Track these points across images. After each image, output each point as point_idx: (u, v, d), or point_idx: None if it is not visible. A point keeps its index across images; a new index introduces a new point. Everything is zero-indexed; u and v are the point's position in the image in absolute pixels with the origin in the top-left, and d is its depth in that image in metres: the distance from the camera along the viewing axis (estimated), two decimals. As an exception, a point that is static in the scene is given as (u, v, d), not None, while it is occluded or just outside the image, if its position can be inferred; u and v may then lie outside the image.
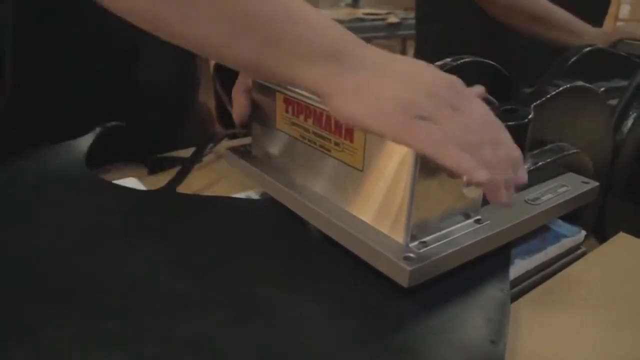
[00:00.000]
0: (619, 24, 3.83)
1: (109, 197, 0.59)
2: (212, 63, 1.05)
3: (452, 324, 0.39)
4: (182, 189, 0.61)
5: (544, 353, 0.40)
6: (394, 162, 0.40)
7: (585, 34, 1.06)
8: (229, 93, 1.28)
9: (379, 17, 2.88)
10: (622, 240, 0.59)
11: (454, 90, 0.39)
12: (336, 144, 0.44)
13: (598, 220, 0.72)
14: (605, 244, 0.59)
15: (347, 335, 0.38)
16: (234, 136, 0.83)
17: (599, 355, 0.41)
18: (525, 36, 1.10)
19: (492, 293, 0.42)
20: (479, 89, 0.45)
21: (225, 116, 1.28)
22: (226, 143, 0.76)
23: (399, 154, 0.40)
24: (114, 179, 0.63)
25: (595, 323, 0.45)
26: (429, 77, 0.39)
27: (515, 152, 0.39)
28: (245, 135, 0.69)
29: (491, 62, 0.71)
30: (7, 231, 0.50)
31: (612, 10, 4.02)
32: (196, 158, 0.66)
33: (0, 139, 0.68)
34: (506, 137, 0.39)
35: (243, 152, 0.57)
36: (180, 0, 0.40)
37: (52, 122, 0.68)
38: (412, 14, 3.09)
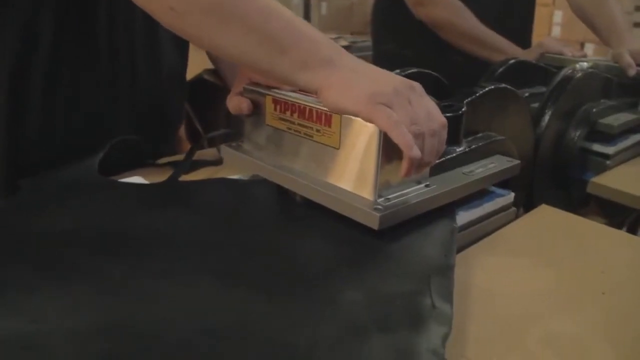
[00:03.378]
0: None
1: (124, 190, 0.70)
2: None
3: (417, 244, 0.54)
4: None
5: (488, 286, 0.55)
6: (363, 140, 0.54)
7: (514, 53, 1.27)
8: (197, 112, 1.40)
9: (330, 41, 3.05)
10: (542, 209, 0.74)
11: (411, 89, 0.54)
12: (317, 130, 0.58)
13: (528, 198, 0.88)
14: (529, 213, 0.74)
15: (335, 260, 0.52)
16: (211, 144, 0.96)
17: (527, 286, 0.56)
18: (464, 52, 1.32)
19: (444, 226, 0.56)
20: None
21: (193, 133, 1.42)
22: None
23: (367, 133, 0.53)
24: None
25: (522, 265, 0.60)
26: (393, 78, 0.54)
27: (442, 145, 0.55)
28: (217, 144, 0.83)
29: (433, 72, 0.86)
30: (43, 216, 0.62)
31: (544, 31, 4.30)
32: (191, 156, 0.79)
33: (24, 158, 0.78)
34: (442, 132, 0.54)
35: (235, 147, 0.70)
36: (220, 20, 0.54)
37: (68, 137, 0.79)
38: (360, 38, 3.28)
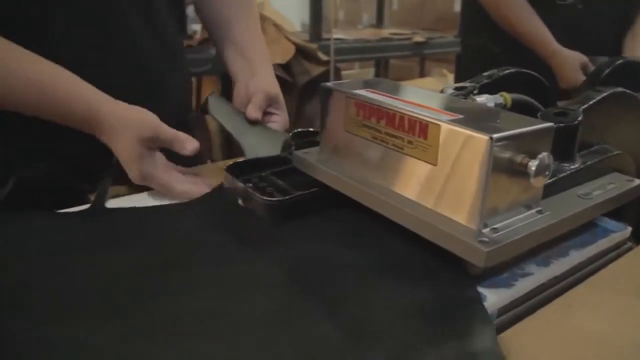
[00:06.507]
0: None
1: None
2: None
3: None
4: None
5: (601, 330, 0.45)
6: (468, 158, 0.44)
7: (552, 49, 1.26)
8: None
9: (405, 36, 2.94)
10: (664, 238, 0.63)
11: None
12: (409, 142, 0.49)
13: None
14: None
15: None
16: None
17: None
18: None
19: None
20: None
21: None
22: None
23: (474, 148, 0.44)
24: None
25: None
26: None
27: None
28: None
29: (532, 72, 0.75)
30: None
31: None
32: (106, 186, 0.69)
33: None
34: None
35: (307, 154, 0.62)
36: None
37: None
38: (434, 34, 3.16)
